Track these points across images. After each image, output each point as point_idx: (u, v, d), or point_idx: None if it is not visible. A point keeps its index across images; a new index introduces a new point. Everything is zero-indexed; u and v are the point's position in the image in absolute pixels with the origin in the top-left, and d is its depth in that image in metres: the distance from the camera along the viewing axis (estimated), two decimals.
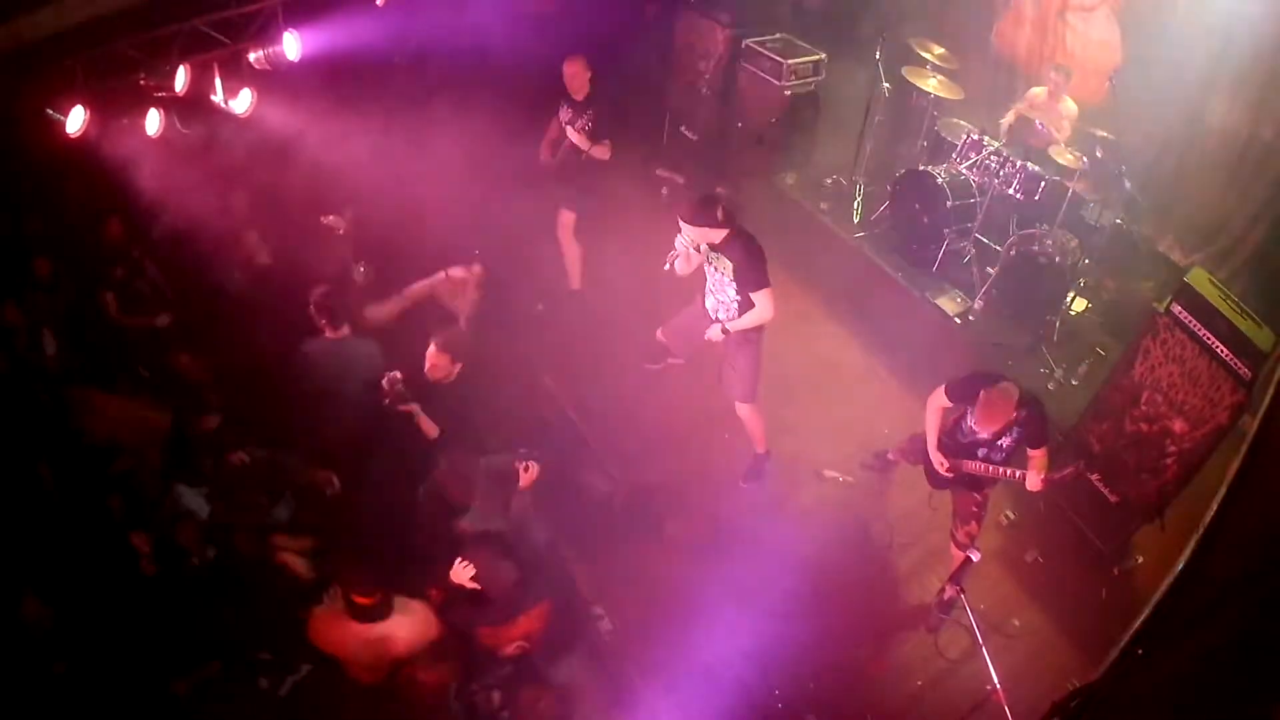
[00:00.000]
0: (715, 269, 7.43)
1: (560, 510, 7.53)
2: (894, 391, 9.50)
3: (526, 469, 6.93)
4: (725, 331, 7.51)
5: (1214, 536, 5.29)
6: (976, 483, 7.08)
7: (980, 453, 6.87)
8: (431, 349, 7.17)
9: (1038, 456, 6.71)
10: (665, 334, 8.20)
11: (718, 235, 7.19)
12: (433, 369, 7.20)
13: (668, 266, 7.44)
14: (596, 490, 8.01)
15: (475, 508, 6.76)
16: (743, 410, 8.09)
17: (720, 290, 7.49)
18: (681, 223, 7.19)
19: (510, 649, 6.46)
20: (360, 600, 5.81)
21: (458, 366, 7.28)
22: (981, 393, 6.47)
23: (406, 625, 5.99)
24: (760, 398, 8.02)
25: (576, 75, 8.99)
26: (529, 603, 6.48)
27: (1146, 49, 9.82)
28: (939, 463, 7.07)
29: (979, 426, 6.63)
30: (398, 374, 7.09)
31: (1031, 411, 6.58)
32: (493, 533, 6.61)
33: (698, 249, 7.30)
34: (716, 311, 7.62)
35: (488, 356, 8.34)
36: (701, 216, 7.12)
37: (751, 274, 7.25)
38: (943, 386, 6.95)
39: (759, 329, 7.59)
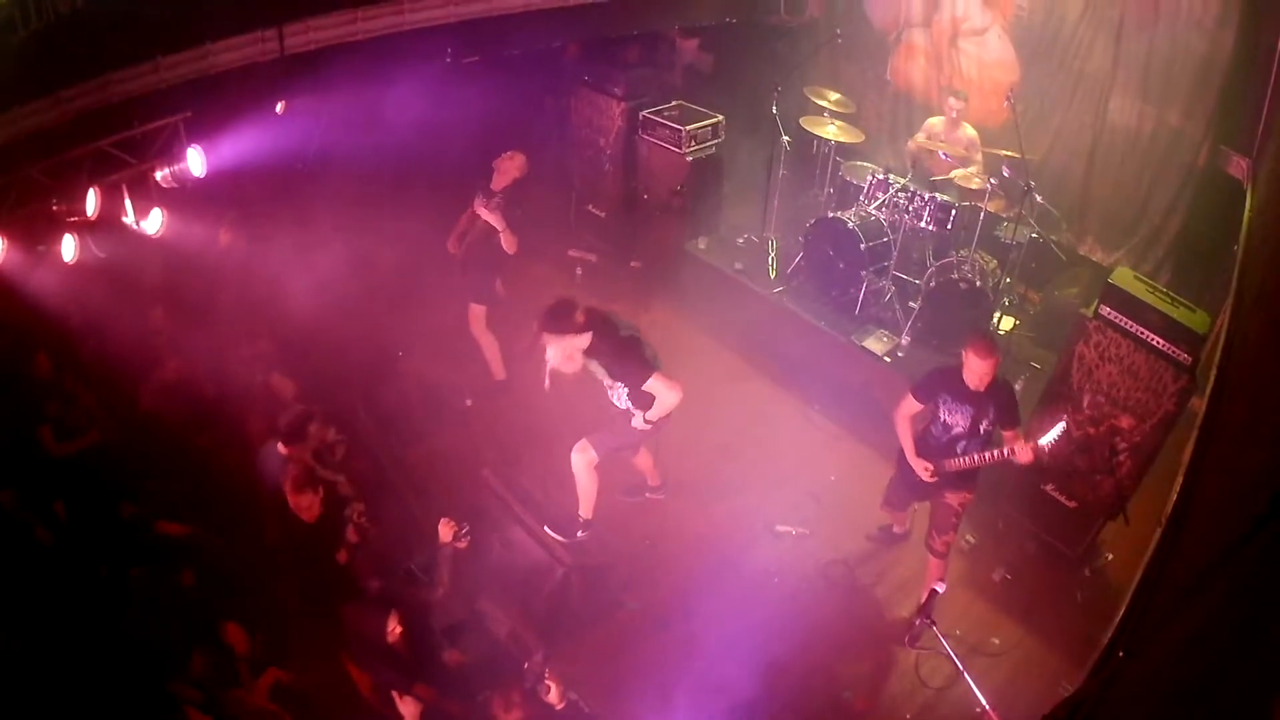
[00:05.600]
0: (596, 376, 7.14)
1: (516, 600, 7.43)
2: (833, 437, 9.50)
3: (447, 523, 6.71)
4: (649, 422, 7.14)
5: (1179, 522, 5.23)
6: (960, 482, 7.06)
7: (960, 447, 6.89)
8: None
9: (1010, 438, 6.74)
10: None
11: (584, 341, 6.81)
12: (304, 511, 6.75)
13: (547, 385, 7.10)
14: (550, 577, 7.78)
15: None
16: (576, 460, 7.50)
17: (615, 395, 7.23)
18: (544, 336, 6.81)
19: None
20: None
21: (317, 497, 6.79)
22: (965, 352, 6.55)
23: None
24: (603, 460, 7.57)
25: (511, 170, 8.92)
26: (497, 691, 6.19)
27: (1041, 61, 10.00)
28: (922, 469, 7.02)
29: (971, 386, 6.63)
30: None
31: (1002, 389, 6.72)
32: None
33: (571, 359, 6.93)
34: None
35: (424, 455, 8.50)
36: (559, 325, 6.74)
37: (628, 369, 6.92)
38: (908, 393, 7.01)
39: (666, 418, 7.25)
